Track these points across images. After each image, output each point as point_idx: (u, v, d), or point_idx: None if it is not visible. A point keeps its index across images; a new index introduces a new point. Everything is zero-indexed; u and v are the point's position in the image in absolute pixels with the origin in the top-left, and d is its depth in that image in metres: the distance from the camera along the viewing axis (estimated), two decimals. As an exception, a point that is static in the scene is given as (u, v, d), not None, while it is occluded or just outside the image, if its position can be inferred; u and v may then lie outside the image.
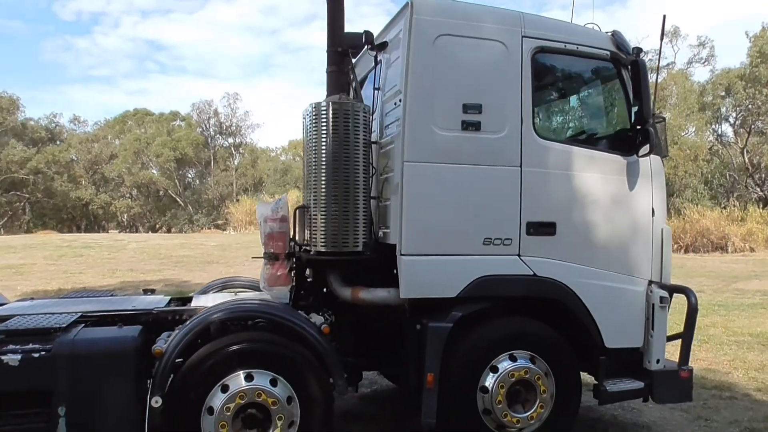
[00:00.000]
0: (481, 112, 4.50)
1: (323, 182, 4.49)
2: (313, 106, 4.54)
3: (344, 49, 4.76)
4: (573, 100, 5.18)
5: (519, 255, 4.60)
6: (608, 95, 5.23)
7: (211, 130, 56.30)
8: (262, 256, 4.73)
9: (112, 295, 5.68)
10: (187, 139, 52.08)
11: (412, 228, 4.41)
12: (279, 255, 4.66)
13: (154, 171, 53.76)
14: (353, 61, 4.89)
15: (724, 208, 28.78)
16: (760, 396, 6.40)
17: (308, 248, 4.67)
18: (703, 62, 37.40)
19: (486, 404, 4.52)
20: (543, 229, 4.65)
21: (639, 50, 4.74)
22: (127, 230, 52.02)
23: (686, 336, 5.04)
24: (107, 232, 48.08)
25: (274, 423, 4.10)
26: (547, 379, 4.63)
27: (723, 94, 34.68)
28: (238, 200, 46.40)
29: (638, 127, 4.71)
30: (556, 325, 4.76)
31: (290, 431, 4.17)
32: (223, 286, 5.93)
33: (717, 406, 6.03)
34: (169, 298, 5.30)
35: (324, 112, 4.50)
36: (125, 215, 53.95)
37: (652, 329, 4.91)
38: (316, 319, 4.51)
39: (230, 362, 4.11)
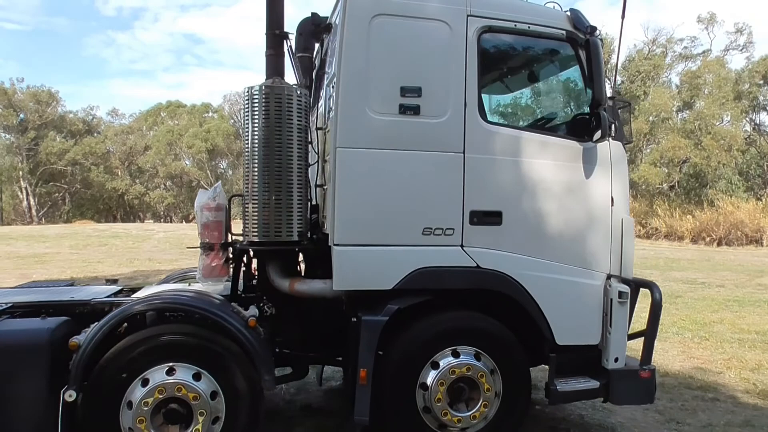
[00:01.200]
0: (420, 95, 4.27)
1: (255, 169, 4.33)
2: (246, 90, 4.38)
3: (281, 32, 4.58)
4: (525, 82, 4.88)
5: (462, 245, 4.36)
6: (564, 77, 4.92)
7: (242, 121, 56.65)
8: (198, 246, 4.61)
9: (70, 285, 5.65)
10: (218, 130, 52.74)
11: (345, 217, 4.22)
12: (214, 245, 4.53)
13: (187, 162, 54.64)
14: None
15: (760, 199, 27.70)
16: (745, 398, 6.03)
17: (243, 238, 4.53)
18: (741, 49, 36.04)
19: (426, 402, 4.31)
20: (488, 218, 4.41)
21: (593, 29, 4.43)
22: (162, 220, 52.97)
23: (649, 334, 4.74)
24: (143, 221, 49.07)
25: (196, 418, 3.96)
26: (492, 377, 4.40)
27: (760, 82, 33.28)
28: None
29: (594, 110, 4.41)
30: (507, 321, 4.53)
31: (215, 427, 4.04)
32: (183, 276, 5.83)
33: (696, 408, 5.69)
34: (119, 288, 5.22)
35: (256, 97, 4.33)
36: (161, 205, 54.98)
37: (610, 326, 4.62)
38: (250, 311, 4.36)
39: (151, 355, 3.99)
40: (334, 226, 4.21)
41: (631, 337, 4.83)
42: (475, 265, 4.38)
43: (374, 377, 4.20)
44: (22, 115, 48.61)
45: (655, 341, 4.80)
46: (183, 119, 55.57)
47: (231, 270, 4.63)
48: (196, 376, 4.02)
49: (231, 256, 4.60)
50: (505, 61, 4.84)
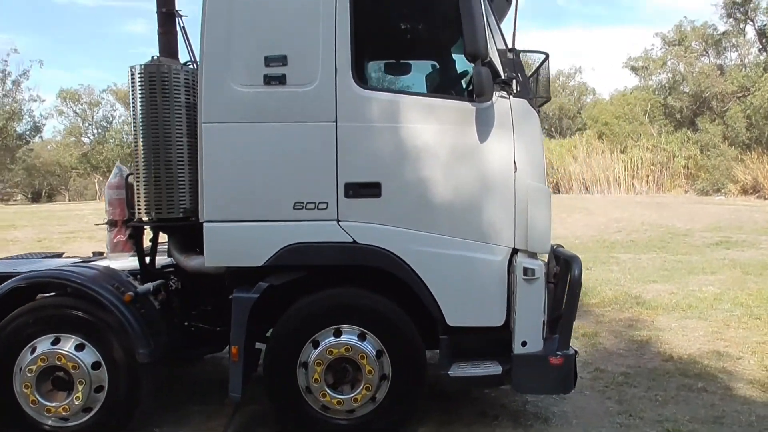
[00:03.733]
0: (286, 63, 4.08)
1: (140, 148, 4.42)
2: (129, 70, 4.45)
3: (172, 11, 4.59)
4: (408, 41, 4.44)
5: (337, 220, 4.15)
6: (452, 32, 4.40)
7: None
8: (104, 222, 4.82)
9: (57, 257, 6.07)
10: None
11: (213, 192, 4.18)
12: (117, 222, 4.71)
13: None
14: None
15: None
16: (744, 390, 5.18)
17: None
18: None
19: (307, 382, 4.20)
20: (365, 190, 4.14)
21: None
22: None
23: (565, 315, 4.24)
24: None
25: (76, 387, 4.20)
26: (376, 359, 4.16)
27: None
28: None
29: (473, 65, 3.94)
30: (402, 300, 4.26)
31: (99, 395, 4.26)
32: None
33: (670, 399, 4.99)
34: (78, 259, 5.54)
35: (138, 76, 4.39)
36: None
37: (516, 306, 4.17)
38: (145, 286, 4.49)
39: (39, 326, 4.26)
40: (203, 203, 4.19)
41: (554, 321, 4.34)
42: (352, 240, 4.14)
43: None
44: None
45: (573, 322, 4.29)
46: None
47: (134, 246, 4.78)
48: (79, 347, 4.24)
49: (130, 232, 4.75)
50: (384, 18, 4.45)
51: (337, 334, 4.20)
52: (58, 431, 4.29)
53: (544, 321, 4.23)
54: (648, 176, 29.60)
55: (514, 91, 4.15)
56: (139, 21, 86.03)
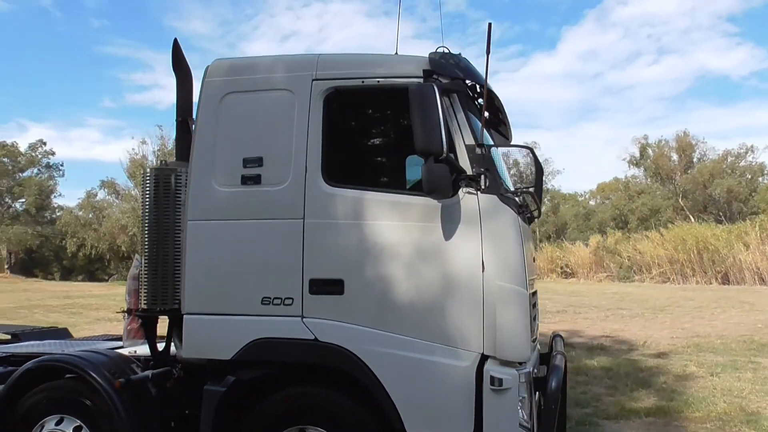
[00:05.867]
0: (261, 164, 4.30)
1: (144, 244, 4.82)
2: (142, 172, 4.92)
3: (184, 119, 5.05)
4: (376, 139, 4.40)
5: (302, 316, 4.15)
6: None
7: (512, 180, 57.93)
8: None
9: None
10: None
11: (194, 286, 4.40)
12: (131, 311, 5.08)
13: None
14: None
15: None
16: None
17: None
18: None
19: None
20: (328, 287, 4.12)
21: (429, 73, 3.94)
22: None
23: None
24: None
25: (68, 466, 4.50)
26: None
27: None
28: (540, 248, 46.25)
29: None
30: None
31: None
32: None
33: None
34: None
35: (146, 178, 4.86)
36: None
37: (482, 419, 3.81)
38: (143, 374, 4.75)
39: (46, 406, 4.66)
40: (184, 295, 4.42)
41: None
42: (313, 337, 4.11)
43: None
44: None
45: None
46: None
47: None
48: (77, 429, 4.57)
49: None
50: (354, 119, 4.52)
51: (302, 435, 4.11)
52: None
53: (523, 436, 3.81)
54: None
55: (482, 187, 3.97)
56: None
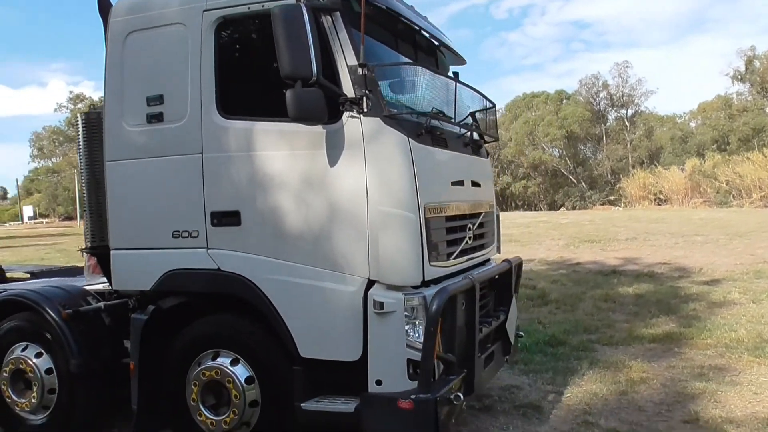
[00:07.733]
0: (162, 102, 4.38)
1: (82, 185, 5.07)
2: (75, 116, 5.12)
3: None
4: (265, 68, 4.22)
5: (207, 248, 4.30)
6: None
7: (601, 104, 55.10)
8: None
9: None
10: (573, 116, 52.14)
11: (116, 223, 4.63)
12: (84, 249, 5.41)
13: (547, 150, 55.50)
14: None
15: None
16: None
17: None
18: None
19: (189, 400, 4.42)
20: (227, 219, 4.23)
21: None
22: (527, 208, 54.71)
23: (423, 354, 3.80)
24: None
25: (32, 387, 4.98)
26: (246, 384, 4.21)
27: None
28: (632, 174, 44.49)
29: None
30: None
31: (52, 397, 4.97)
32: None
33: None
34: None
35: (78, 122, 5.05)
36: (524, 195, 56.89)
37: (367, 342, 3.88)
38: (93, 306, 5.09)
39: (15, 335, 5.11)
40: (109, 232, 4.67)
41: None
42: (217, 267, 4.26)
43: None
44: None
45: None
46: (539, 109, 56.56)
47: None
48: (38, 354, 5.01)
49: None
50: (245, 49, 4.40)
51: (214, 357, 4.34)
52: (28, 423, 5.10)
53: (409, 359, 3.86)
54: None
55: (365, 110, 3.87)
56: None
